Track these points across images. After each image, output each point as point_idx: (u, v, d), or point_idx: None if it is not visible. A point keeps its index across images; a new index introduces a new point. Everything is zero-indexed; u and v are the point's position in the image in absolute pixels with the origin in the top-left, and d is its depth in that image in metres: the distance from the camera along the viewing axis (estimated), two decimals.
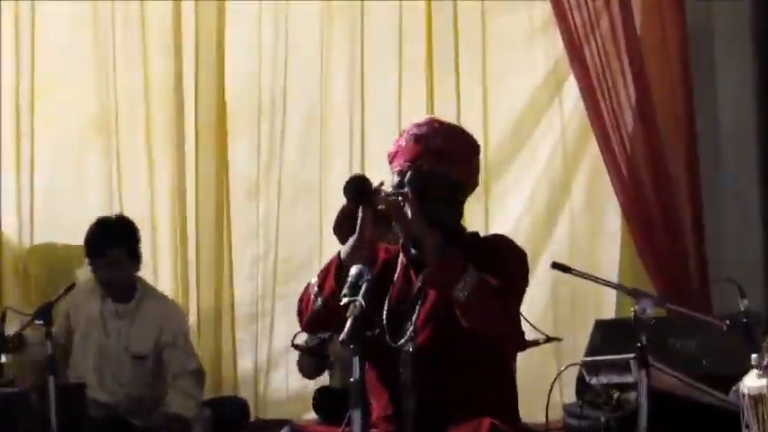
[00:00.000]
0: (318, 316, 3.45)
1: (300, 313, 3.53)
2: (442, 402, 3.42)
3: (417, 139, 3.50)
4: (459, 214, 3.58)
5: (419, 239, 3.40)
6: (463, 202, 3.57)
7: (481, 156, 3.63)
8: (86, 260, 5.39)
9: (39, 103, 6.37)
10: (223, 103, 6.29)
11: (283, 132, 6.32)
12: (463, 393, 3.42)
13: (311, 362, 5.38)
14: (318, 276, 3.46)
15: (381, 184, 3.41)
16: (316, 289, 3.44)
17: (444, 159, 3.48)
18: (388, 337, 3.44)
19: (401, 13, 6.21)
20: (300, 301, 3.53)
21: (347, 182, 3.36)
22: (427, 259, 3.36)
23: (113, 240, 5.32)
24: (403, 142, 3.52)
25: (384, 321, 3.46)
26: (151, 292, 5.54)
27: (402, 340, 3.44)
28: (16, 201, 6.40)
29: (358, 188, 3.35)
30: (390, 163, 3.54)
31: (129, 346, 5.37)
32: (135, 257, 5.39)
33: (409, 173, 3.45)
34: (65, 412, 4.45)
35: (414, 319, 3.46)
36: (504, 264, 3.43)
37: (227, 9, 6.31)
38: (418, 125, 3.55)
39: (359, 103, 6.25)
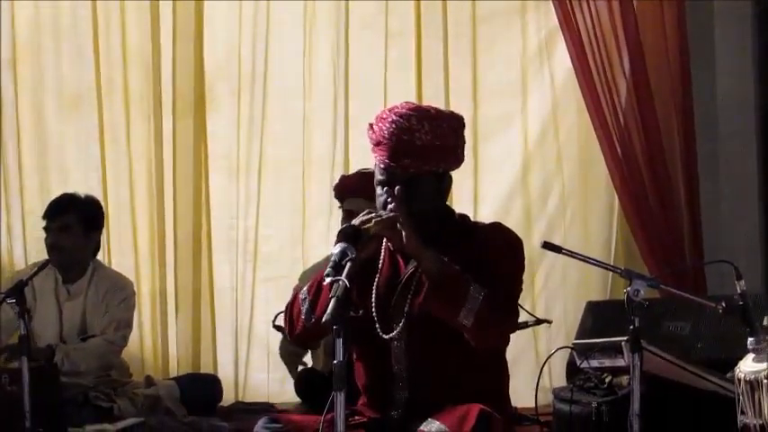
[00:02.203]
0: (309, 333, 3.45)
1: (291, 324, 3.49)
2: (434, 390, 3.38)
3: (402, 133, 3.36)
4: (446, 195, 3.50)
5: (416, 259, 3.35)
6: (450, 183, 3.48)
7: (470, 130, 3.47)
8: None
9: (16, 73, 6.21)
10: (201, 75, 6.13)
11: (264, 106, 6.17)
12: (455, 380, 3.38)
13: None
14: (309, 291, 3.41)
15: (368, 213, 3.34)
16: (307, 305, 3.41)
17: (432, 156, 3.38)
18: (378, 328, 3.39)
19: None
20: (290, 310, 3.49)
21: (339, 233, 3.28)
22: (425, 277, 3.30)
23: (68, 207, 5.43)
24: (386, 133, 3.37)
25: (373, 311, 3.40)
26: (103, 271, 5.55)
27: (394, 332, 3.38)
28: None
29: (350, 237, 3.26)
30: (373, 149, 3.41)
31: (85, 328, 5.42)
32: (88, 230, 5.45)
33: (397, 188, 3.33)
34: (38, 394, 4.36)
35: (406, 310, 3.38)
36: (501, 257, 3.38)
37: None
38: (400, 114, 3.38)
39: (343, 74, 6.10)
